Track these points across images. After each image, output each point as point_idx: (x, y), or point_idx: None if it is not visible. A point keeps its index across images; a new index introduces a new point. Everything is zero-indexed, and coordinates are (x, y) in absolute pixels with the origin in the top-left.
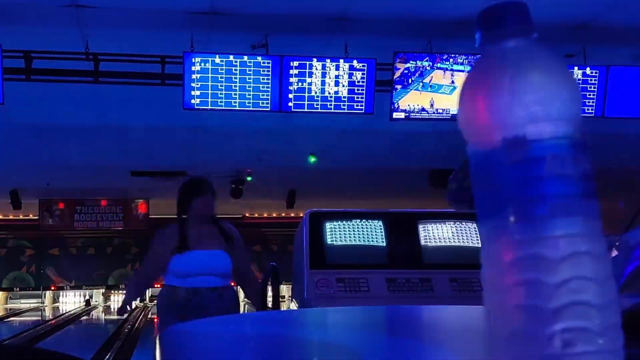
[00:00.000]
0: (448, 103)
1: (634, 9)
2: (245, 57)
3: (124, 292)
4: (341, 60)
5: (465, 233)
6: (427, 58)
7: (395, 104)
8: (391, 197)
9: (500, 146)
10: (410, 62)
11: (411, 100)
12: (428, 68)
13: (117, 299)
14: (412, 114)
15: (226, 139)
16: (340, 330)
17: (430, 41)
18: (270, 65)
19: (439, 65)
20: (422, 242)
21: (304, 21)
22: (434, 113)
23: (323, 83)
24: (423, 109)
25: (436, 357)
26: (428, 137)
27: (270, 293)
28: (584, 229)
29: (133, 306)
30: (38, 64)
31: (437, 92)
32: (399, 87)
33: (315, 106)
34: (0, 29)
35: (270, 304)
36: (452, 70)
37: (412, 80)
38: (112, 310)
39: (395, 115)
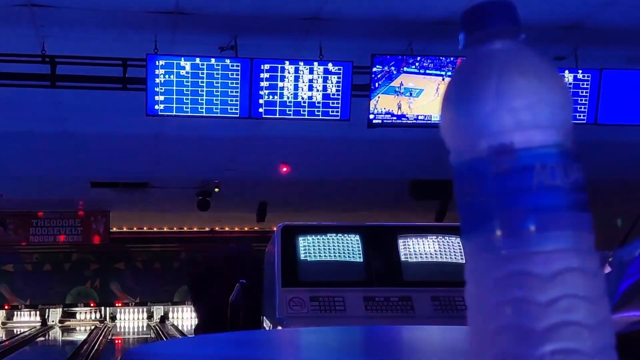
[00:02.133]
0: (430, 109)
1: (629, 7)
2: (213, 60)
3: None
4: (315, 63)
5: (449, 248)
6: (408, 60)
7: (374, 110)
8: (369, 210)
9: (486, 155)
10: (389, 64)
11: (390, 106)
12: (408, 71)
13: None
14: (391, 121)
15: (192, 147)
16: (315, 353)
17: (410, 43)
18: (239, 68)
19: (418, 68)
20: (402, 257)
21: (276, 21)
22: (414, 120)
23: (296, 87)
24: (403, 115)
25: None
26: (408, 145)
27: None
28: (575, 244)
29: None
30: None
31: (418, 97)
32: (377, 92)
33: (287, 112)
34: None
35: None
36: (434, 74)
37: (391, 85)
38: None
39: (373, 122)
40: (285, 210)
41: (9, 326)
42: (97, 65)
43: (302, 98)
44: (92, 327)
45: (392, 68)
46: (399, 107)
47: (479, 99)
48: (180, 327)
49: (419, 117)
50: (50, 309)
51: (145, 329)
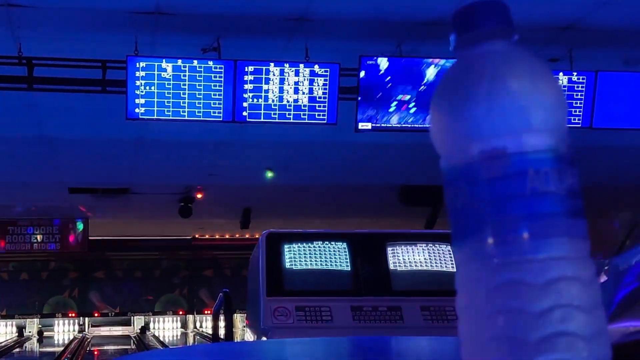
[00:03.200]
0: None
1: (625, 7)
2: (195, 62)
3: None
4: (301, 65)
5: (439, 256)
6: (397, 62)
7: (361, 114)
8: (357, 217)
9: (477, 160)
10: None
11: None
12: (398, 73)
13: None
14: (379, 125)
15: (174, 152)
16: None
17: (399, 44)
18: (222, 70)
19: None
20: (391, 266)
21: (260, 22)
22: (404, 124)
23: (281, 90)
24: (392, 119)
25: None
26: (397, 150)
27: (222, 323)
28: (570, 252)
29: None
30: None
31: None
32: (365, 94)
33: (272, 116)
34: None
35: (222, 335)
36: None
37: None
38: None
39: (361, 125)
40: (270, 217)
41: None
42: (76, 67)
43: (288, 101)
44: (71, 338)
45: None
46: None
47: (470, 102)
48: (161, 338)
49: (409, 121)
50: (27, 319)
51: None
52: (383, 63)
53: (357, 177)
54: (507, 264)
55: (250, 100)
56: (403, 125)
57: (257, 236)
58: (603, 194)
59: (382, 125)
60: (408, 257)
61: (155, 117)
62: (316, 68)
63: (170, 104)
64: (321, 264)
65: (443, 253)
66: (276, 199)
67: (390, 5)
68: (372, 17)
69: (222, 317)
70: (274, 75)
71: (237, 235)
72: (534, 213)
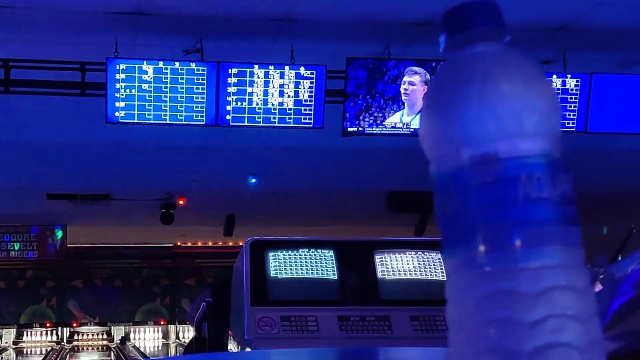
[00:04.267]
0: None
1: (621, 8)
2: (177, 64)
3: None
4: (286, 67)
5: (429, 265)
6: (385, 64)
7: (349, 117)
8: (344, 224)
9: (468, 165)
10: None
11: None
12: (386, 76)
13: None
14: (367, 129)
15: (155, 157)
16: None
17: (388, 46)
18: (205, 72)
19: (397, 72)
20: (380, 274)
21: (244, 23)
22: (392, 128)
23: (266, 93)
24: (380, 123)
25: None
26: (386, 155)
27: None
28: (564, 260)
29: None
30: None
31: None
32: (352, 97)
33: (256, 120)
34: None
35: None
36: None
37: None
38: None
39: (348, 129)
40: (255, 224)
41: None
42: (54, 70)
43: (273, 104)
44: (49, 349)
45: (384, 70)
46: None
47: (460, 105)
48: (142, 349)
49: (397, 125)
50: (4, 330)
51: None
52: (371, 64)
53: (344, 183)
54: (499, 273)
55: (234, 103)
56: (391, 129)
57: (240, 244)
58: (598, 200)
59: (370, 129)
60: (397, 266)
61: (135, 120)
62: (302, 70)
63: (151, 108)
64: (307, 273)
65: (433, 261)
66: (261, 206)
67: (378, 5)
68: (359, 18)
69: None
70: (258, 77)
71: (220, 243)
72: (526, 220)
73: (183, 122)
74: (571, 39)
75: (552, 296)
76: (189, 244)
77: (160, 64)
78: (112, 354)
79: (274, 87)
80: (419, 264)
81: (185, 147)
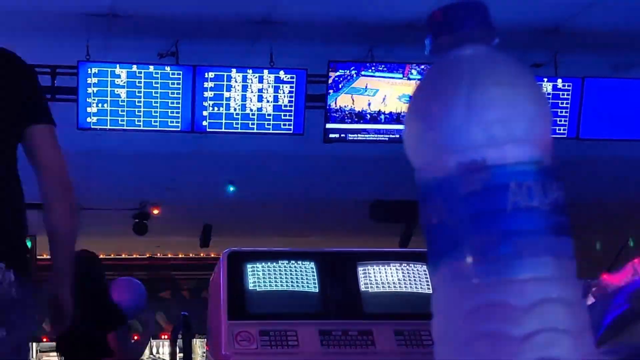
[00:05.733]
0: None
1: (614, 9)
2: (151, 68)
3: None
4: (265, 71)
5: (414, 277)
6: (371, 68)
7: (330, 123)
8: (325, 234)
9: (455, 173)
10: (348, 71)
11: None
12: (369, 79)
13: None
14: (349, 135)
15: (128, 165)
16: None
17: (371, 48)
18: (180, 77)
19: (380, 75)
20: (362, 287)
21: (221, 25)
22: (375, 134)
23: (244, 98)
24: (363, 130)
25: None
26: (369, 162)
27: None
28: (555, 271)
29: None
30: None
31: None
32: (333, 101)
33: (234, 126)
34: None
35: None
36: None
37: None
38: None
39: (330, 136)
40: (232, 235)
41: None
42: None
43: (251, 110)
44: None
45: (353, 73)
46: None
47: (447, 111)
48: None
49: (381, 131)
50: None
51: None
52: (354, 68)
53: (326, 192)
54: (488, 285)
55: (211, 108)
56: (375, 136)
57: (217, 255)
58: (590, 209)
59: (353, 136)
60: (380, 278)
61: (108, 127)
62: (281, 74)
63: (125, 113)
64: (287, 285)
65: (418, 273)
66: (238, 216)
67: (362, 6)
68: (341, 20)
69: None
70: (236, 81)
71: (196, 255)
72: (516, 230)
73: (158, 129)
74: (562, 42)
75: (543, 309)
76: (164, 255)
77: (134, 67)
78: None
79: (252, 92)
80: (403, 276)
81: (159, 155)
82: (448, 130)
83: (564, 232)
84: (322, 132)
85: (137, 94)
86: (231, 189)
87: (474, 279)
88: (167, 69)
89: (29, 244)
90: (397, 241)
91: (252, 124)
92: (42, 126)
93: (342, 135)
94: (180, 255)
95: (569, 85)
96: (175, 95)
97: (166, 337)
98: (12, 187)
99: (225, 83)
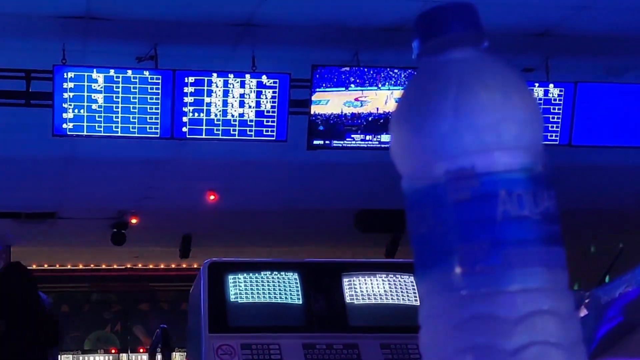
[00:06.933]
0: (379, 128)
1: (607, 12)
2: (129, 72)
3: None
4: (247, 76)
5: (401, 288)
6: (355, 72)
7: (315, 130)
8: (309, 244)
9: (443, 181)
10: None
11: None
12: (354, 85)
13: None
14: (334, 142)
15: (106, 173)
16: None
17: (357, 52)
18: (160, 81)
19: (367, 81)
20: (348, 299)
21: (201, 28)
22: (361, 141)
23: (225, 103)
24: (348, 136)
25: None
26: (354, 170)
27: None
28: (547, 283)
29: None
30: None
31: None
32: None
33: (215, 132)
34: None
35: None
36: (384, 87)
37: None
38: None
39: (314, 142)
40: (213, 245)
41: None
42: None
43: (232, 116)
44: None
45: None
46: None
47: (435, 116)
48: None
49: (367, 138)
50: None
51: None
52: (339, 72)
53: (310, 201)
54: (477, 296)
55: (191, 114)
56: (361, 142)
57: (197, 266)
58: (583, 218)
59: (338, 142)
60: (366, 289)
61: (84, 133)
62: (264, 79)
63: (102, 119)
64: (270, 297)
65: (405, 284)
66: (219, 225)
67: (347, 9)
68: (326, 23)
69: (159, 356)
70: (217, 86)
71: (175, 265)
72: (506, 240)
73: (136, 135)
74: (554, 45)
75: (534, 322)
76: (142, 266)
77: (112, 72)
78: None
79: (233, 97)
80: (390, 287)
81: (138, 162)
82: (435, 136)
83: (556, 242)
84: (305, 138)
85: (114, 99)
86: (211, 197)
87: (463, 291)
88: (146, 73)
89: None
90: (383, 251)
91: (234, 130)
92: None
93: (327, 142)
94: (161, 266)
95: (561, 90)
96: (154, 101)
97: (144, 350)
98: None
99: (205, 88)
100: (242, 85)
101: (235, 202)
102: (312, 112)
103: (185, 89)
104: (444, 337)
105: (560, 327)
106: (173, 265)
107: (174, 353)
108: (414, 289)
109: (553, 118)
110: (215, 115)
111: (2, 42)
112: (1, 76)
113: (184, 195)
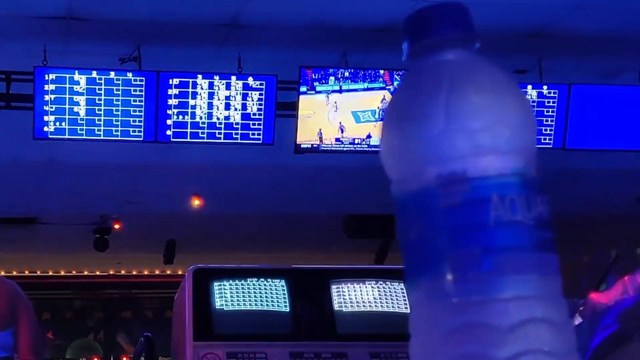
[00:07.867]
0: (369, 131)
1: (602, 12)
2: (112, 74)
3: None
4: (233, 77)
5: (390, 296)
6: (344, 73)
7: (302, 133)
8: (297, 251)
9: (434, 185)
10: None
11: (322, 127)
12: (343, 86)
13: None
14: (322, 146)
15: (88, 177)
16: None
17: (345, 53)
18: (143, 83)
19: (355, 82)
20: (336, 307)
21: (186, 28)
22: (349, 144)
23: (210, 106)
24: (337, 139)
25: None
26: (342, 174)
27: None
28: (540, 290)
29: None
30: None
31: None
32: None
33: (200, 135)
34: None
35: None
36: (373, 89)
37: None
38: None
39: (301, 146)
40: (198, 251)
41: None
42: None
43: (218, 118)
44: None
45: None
46: (343, 133)
47: (425, 119)
48: None
49: (356, 141)
50: None
51: None
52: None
53: (297, 206)
54: (468, 304)
55: (175, 117)
56: (349, 146)
57: (182, 272)
58: (577, 224)
59: (325, 146)
60: (355, 297)
61: (66, 136)
62: (250, 81)
63: (84, 122)
64: (256, 304)
65: (395, 292)
66: (204, 230)
67: (335, 9)
68: (314, 23)
69: None
70: (202, 88)
71: (159, 272)
72: (498, 246)
73: (119, 138)
74: (548, 46)
75: (527, 330)
76: (126, 272)
77: (94, 73)
78: None
79: (219, 100)
80: (379, 294)
81: (121, 166)
82: (426, 140)
83: (550, 249)
84: (293, 142)
85: (97, 102)
86: (196, 202)
87: (454, 298)
88: (129, 75)
89: None
90: (373, 258)
91: (219, 133)
92: None
93: (314, 145)
94: (144, 273)
95: (554, 92)
96: (137, 103)
97: (127, 359)
98: None
99: (190, 90)
100: (228, 87)
101: (220, 207)
102: (299, 115)
103: (170, 91)
104: (434, 345)
105: (554, 336)
106: (157, 272)
107: None
108: (404, 296)
109: (547, 121)
110: (201, 118)
111: None
112: None
113: (168, 199)
